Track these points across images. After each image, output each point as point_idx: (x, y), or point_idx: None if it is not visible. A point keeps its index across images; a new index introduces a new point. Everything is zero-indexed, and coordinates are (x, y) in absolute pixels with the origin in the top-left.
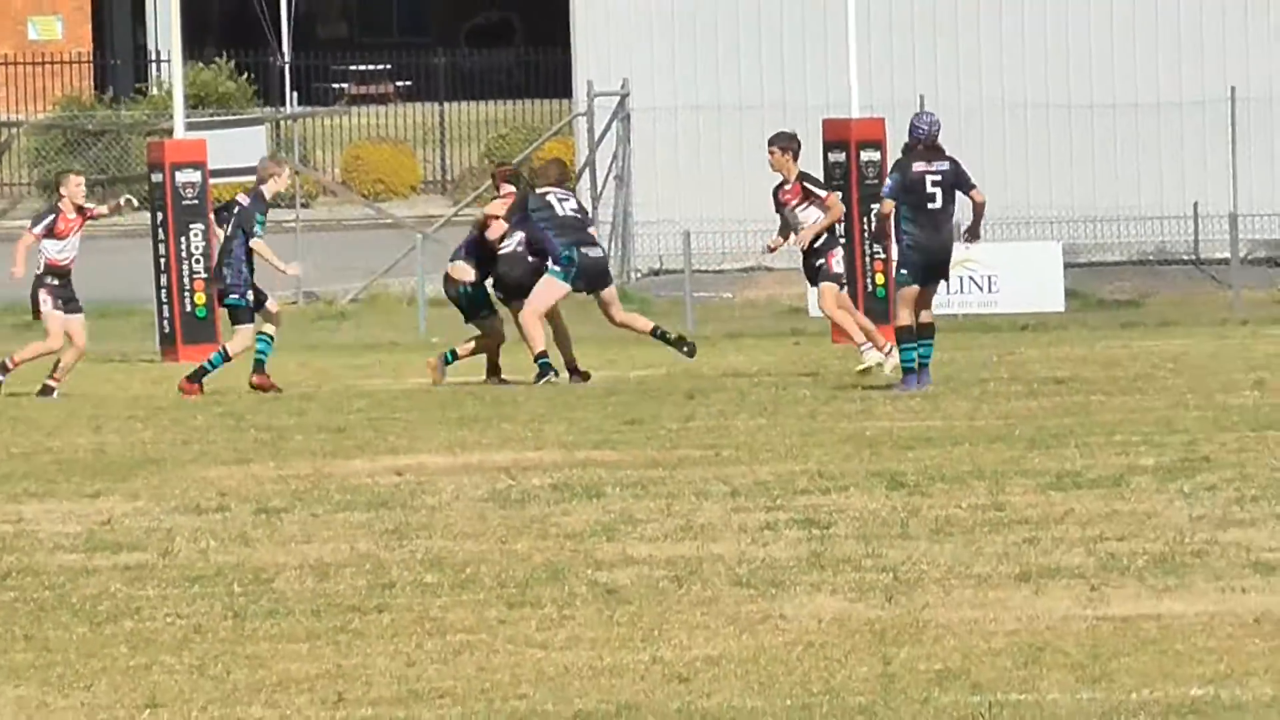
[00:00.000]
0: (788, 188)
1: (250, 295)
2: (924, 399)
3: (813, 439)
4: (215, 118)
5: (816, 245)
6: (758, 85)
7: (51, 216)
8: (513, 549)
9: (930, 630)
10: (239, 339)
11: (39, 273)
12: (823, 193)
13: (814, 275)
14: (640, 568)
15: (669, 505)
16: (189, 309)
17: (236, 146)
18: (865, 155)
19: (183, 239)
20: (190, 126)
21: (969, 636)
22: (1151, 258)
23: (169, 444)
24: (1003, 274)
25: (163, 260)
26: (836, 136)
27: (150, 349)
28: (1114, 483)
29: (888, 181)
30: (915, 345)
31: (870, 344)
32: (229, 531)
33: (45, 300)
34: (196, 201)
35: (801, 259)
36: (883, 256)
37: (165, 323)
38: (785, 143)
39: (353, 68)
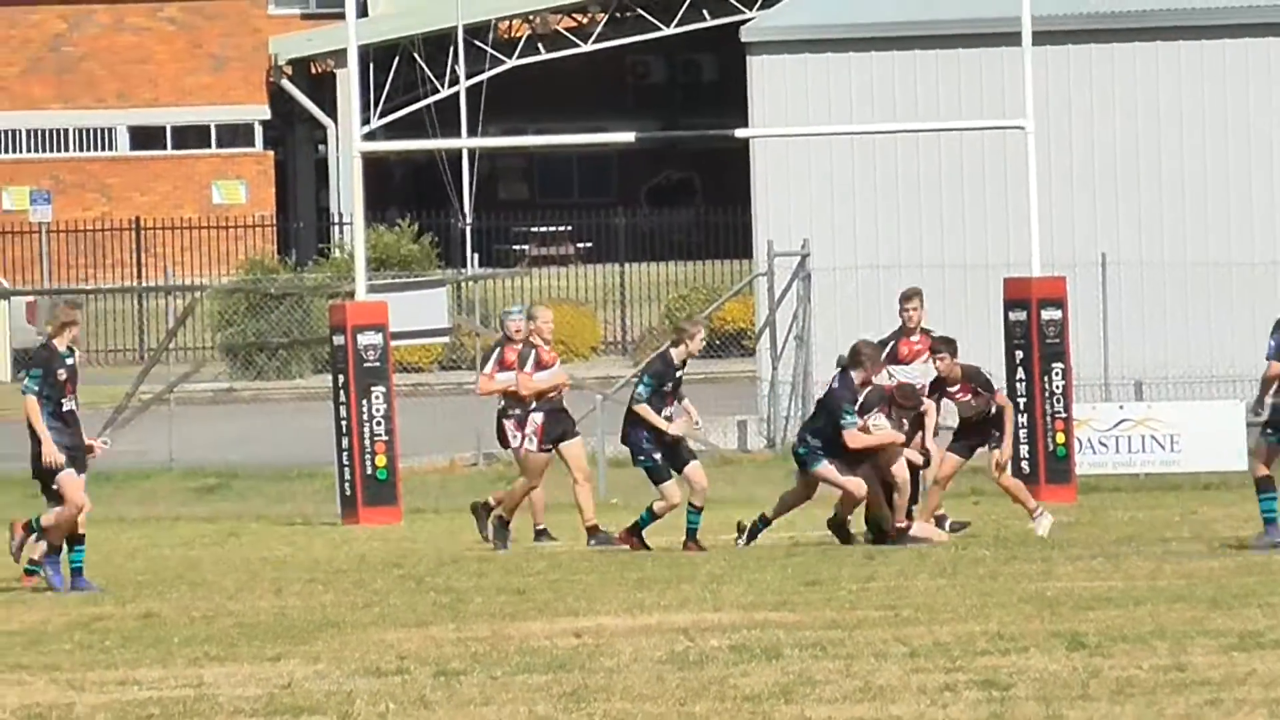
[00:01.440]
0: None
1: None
2: (1105, 559)
3: (993, 599)
4: (397, 279)
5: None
6: (938, 244)
7: None
8: (691, 711)
9: None
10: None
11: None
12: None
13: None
14: None
15: (848, 666)
16: (370, 471)
17: (418, 309)
18: (1046, 314)
19: (364, 401)
20: (372, 289)
21: None
22: None
23: (349, 607)
24: (1185, 432)
25: (344, 423)
26: (1018, 295)
27: (331, 512)
28: None
29: (1270, 343)
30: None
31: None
32: (408, 694)
33: None
34: (378, 364)
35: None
36: (1064, 416)
37: (346, 485)
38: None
39: (534, 229)
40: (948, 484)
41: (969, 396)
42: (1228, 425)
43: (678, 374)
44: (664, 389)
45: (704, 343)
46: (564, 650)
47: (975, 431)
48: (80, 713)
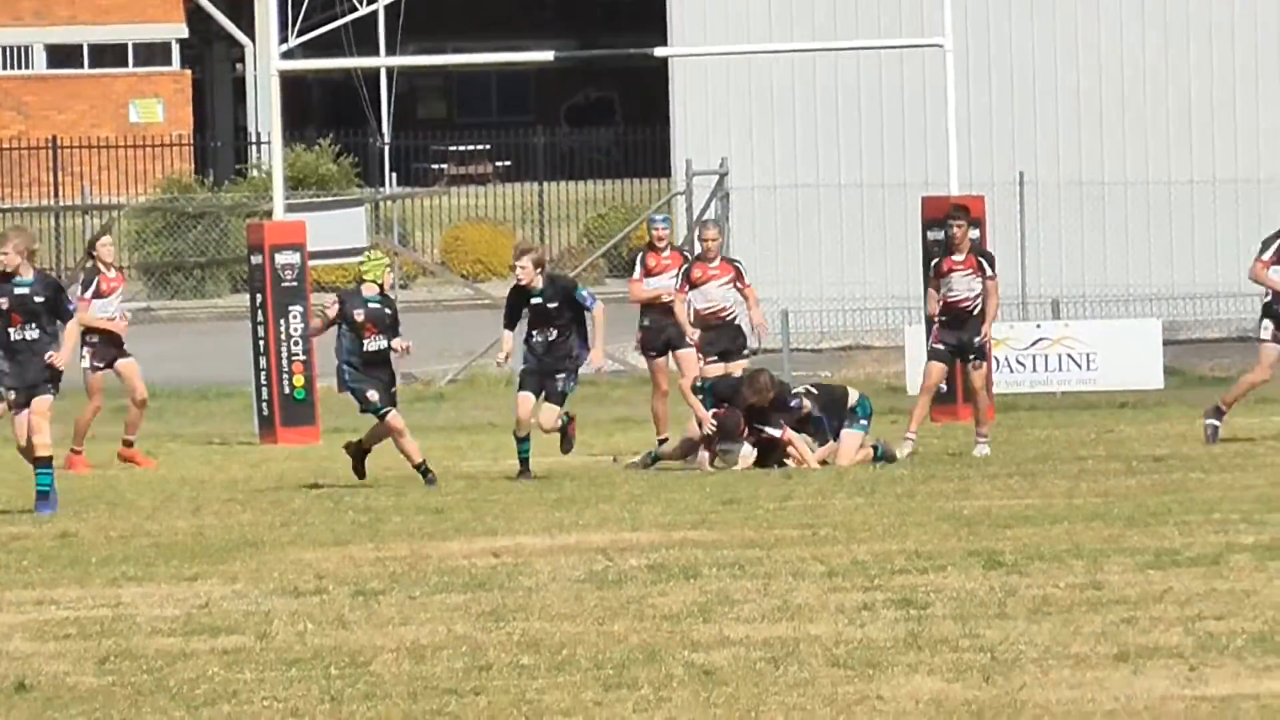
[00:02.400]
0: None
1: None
2: (1022, 478)
3: (910, 518)
4: (315, 199)
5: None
6: (857, 163)
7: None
8: (609, 630)
9: (1028, 711)
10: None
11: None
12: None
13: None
14: (736, 649)
15: (766, 585)
16: (288, 391)
17: (336, 228)
18: None
19: (282, 321)
20: (290, 208)
21: (1066, 717)
22: (1250, 335)
23: (267, 526)
24: (1101, 351)
25: (261, 343)
26: (936, 214)
27: (249, 431)
28: (1212, 561)
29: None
30: None
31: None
32: (326, 614)
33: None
34: (296, 284)
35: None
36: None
37: (264, 405)
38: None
39: (452, 148)
40: (934, 390)
41: (970, 271)
42: (1144, 344)
43: (530, 300)
44: (515, 315)
45: (529, 270)
46: (482, 570)
47: (960, 326)
48: None
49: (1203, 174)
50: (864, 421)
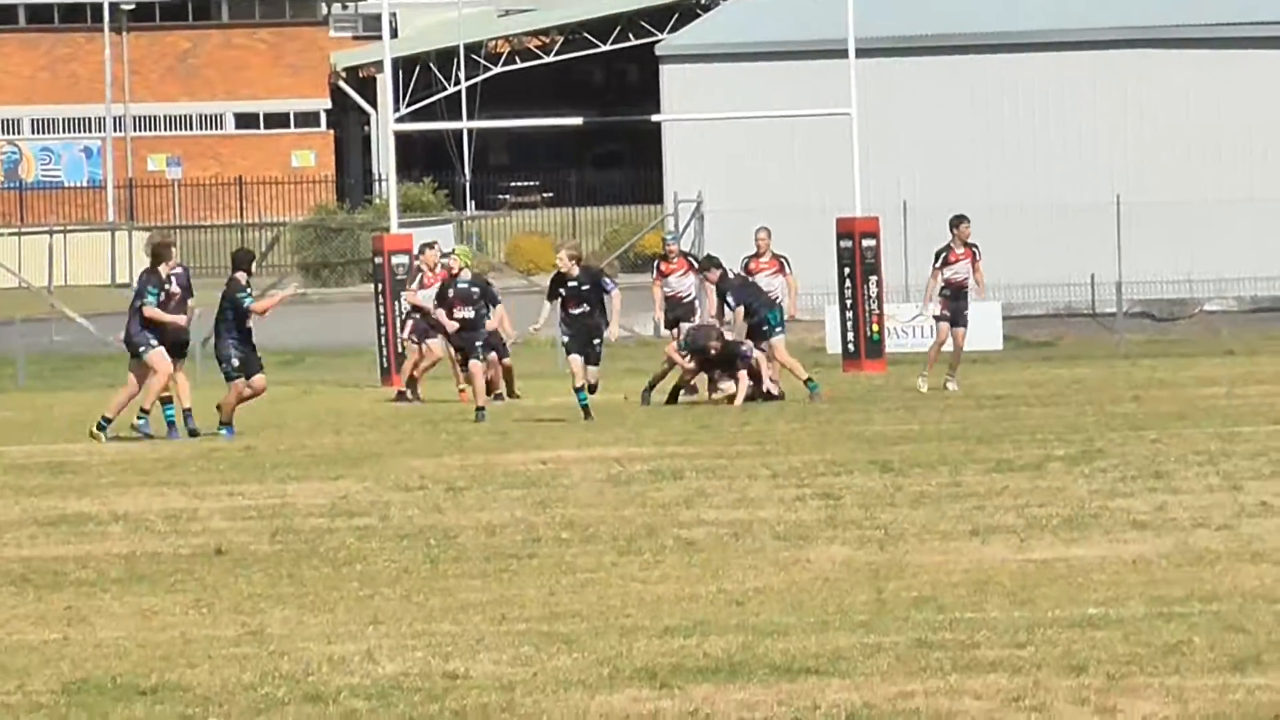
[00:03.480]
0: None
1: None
2: (906, 410)
3: (829, 438)
4: (418, 219)
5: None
6: (793, 193)
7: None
8: (621, 514)
9: (909, 570)
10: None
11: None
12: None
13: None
14: (710, 527)
15: (729, 484)
16: (399, 350)
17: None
18: (865, 243)
19: (396, 302)
20: (401, 225)
21: (936, 574)
22: (1063, 312)
23: (386, 443)
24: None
25: (381, 317)
26: (846, 230)
27: (373, 378)
28: (1036, 467)
29: None
30: None
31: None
32: (427, 503)
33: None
34: (405, 277)
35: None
36: (878, 313)
37: (383, 360)
38: None
39: (512, 184)
40: (942, 344)
41: (968, 262)
42: (989, 319)
43: (567, 283)
44: (554, 292)
45: (565, 260)
46: (534, 473)
47: (958, 298)
48: (202, 514)
49: (1035, 200)
50: (779, 329)
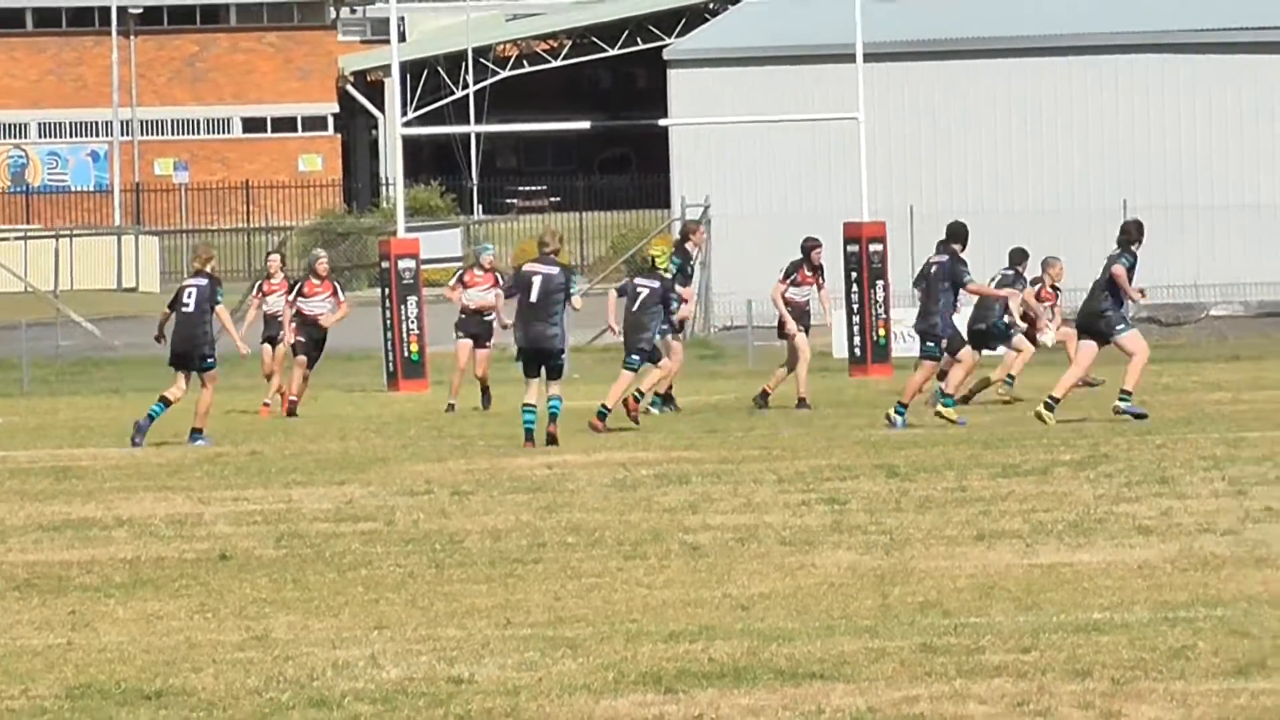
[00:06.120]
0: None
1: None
2: (910, 414)
3: (835, 443)
4: (425, 223)
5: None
6: (800, 199)
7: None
8: (627, 519)
9: (915, 574)
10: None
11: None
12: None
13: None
14: (715, 532)
15: (735, 489)
16: (406, 355)
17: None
18: (873, 247)
19: (402, 307)
20: (408, 229)
21: (941, 578)
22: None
23: (392, 448)
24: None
25: (388, 321)
26: (853, 234)
27: (380, 383)
28: (1041, 472)
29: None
30: None
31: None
32: (432, 508)
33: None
34: (412, 281)
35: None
36: (885, 317)
37: (390, 364)
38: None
39: (520, 188)
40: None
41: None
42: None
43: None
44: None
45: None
46: (540, 477)
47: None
48: (207, 519)
49: (1041, 204)
50: (681, 276)
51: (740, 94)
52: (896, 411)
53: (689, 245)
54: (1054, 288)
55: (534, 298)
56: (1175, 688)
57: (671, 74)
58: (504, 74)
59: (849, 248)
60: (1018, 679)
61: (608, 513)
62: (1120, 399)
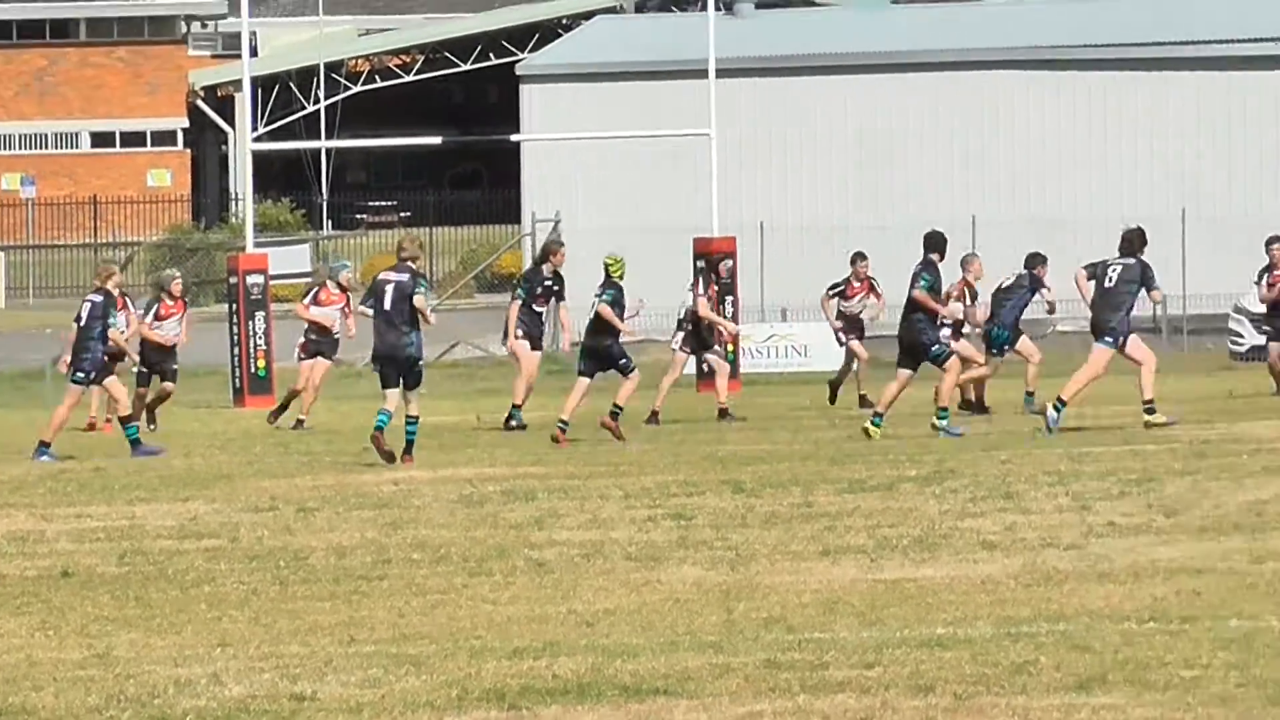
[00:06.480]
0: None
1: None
2: (758, 430)
3: (681, 458)
4: (274, 239)
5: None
6: (649, 212)
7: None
8: (473, 535)
9: (760, 590)
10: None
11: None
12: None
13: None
14: (561, 548)
15: (581, 504)
16: (253, 370)
17: (289, 258)
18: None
19: (250, 322)
20: (257, 245)
21: (786, 594)
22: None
23: (237, 464)
24: (813, 344)
25: (235, 336)
26: (703, 249)
27: (226, 399)
28: (888, 488)
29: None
30: None
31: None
32: (277, 524)
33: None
34: (260, 296)
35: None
36: (734, 333)
37: (236, 380)
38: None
39: (370, 203)
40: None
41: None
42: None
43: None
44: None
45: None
46: (386, 494)
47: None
48: (49, 535)
49: (884, 220)
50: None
51: (592, 109)
52: (939, 417)
53: (545, 266)
54: (968, 285)
55: (387, 305)
56: (1017, 703)
57: (524, 89)
58: (356, 89)
59: (699, 263)
60: (861, 694)
61: (453, 529)
62: (1145, 412)
